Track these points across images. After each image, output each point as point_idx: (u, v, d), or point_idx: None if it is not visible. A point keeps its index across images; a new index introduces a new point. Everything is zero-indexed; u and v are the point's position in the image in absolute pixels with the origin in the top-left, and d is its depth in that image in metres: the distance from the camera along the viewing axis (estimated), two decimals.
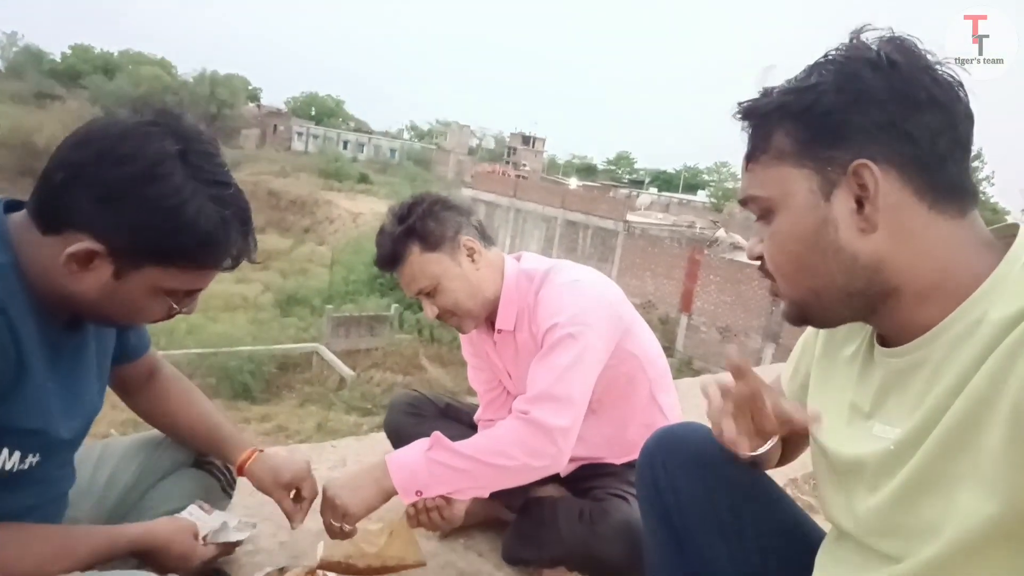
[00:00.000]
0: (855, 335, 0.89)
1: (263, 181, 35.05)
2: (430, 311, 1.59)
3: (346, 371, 15.98)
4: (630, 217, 24.46)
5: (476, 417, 1.85)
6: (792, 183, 0.76)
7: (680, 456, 1.05)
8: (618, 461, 1.66)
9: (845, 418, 0.85)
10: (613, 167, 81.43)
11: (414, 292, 1.58)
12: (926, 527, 0.69)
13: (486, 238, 1.63)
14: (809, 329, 1.01)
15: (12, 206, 0.96)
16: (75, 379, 1.04)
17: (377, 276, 20.95)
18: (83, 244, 0.89)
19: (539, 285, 1.59)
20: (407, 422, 1.86)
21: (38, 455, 0.98)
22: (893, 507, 0.73)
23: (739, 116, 0.81)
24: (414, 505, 1.44)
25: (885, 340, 0.81)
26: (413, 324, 18.67)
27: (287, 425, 13.32)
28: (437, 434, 1.41)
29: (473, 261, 1.57)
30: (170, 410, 1.37)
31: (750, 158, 0.79)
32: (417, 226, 1.53)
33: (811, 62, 0.76)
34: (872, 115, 0.72)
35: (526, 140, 68.88)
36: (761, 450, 0.92)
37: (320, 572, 1.44)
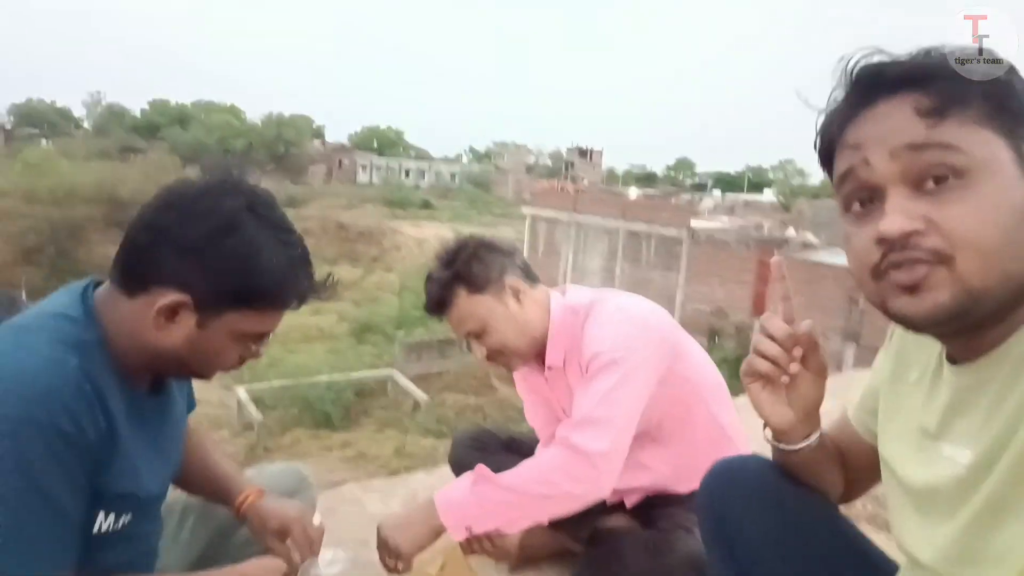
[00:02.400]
0: (921, 359, 0.86)
1: (331, 215, 36.23)
2: (479, 352, 1.62)
3: (420, 395, 16.26)
4: (694, 223, 23.97)
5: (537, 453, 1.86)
6: (998, 149, 0.68)
7: (741, 490, 1.05)
8: (685, 489, 1.65)
9: (915, 443, 0.83)
10: (673, 173, 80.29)
11: (463, 334, 1.62)
12: (1001, 554, 0.67)
13: (531, 277, 1.65)
14: (879, 355, 0.99)
15: (96, 285, 1.06)
16: (159, 438, 1.12)
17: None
18: (171, 297, 0.98)
19: (584, 318, 1.60)
20: (471, 456, 1.89)
21: (130, 514, 1.05)
22: (969, 534, 0.71)
23: (919, 70, 0.71)
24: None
25: (954, 358, 0.78)
26: None
27: (367, 451, 13.64)
28: (481, 467, 1.44)
29: (519, 301, 1.60)
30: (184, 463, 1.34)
31: (942, 112, 0.68)
32: (462, 270, 1.57)
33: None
34: None
35: (583, 154, 68.83)
36: (806, 443, 0.94)
37: None
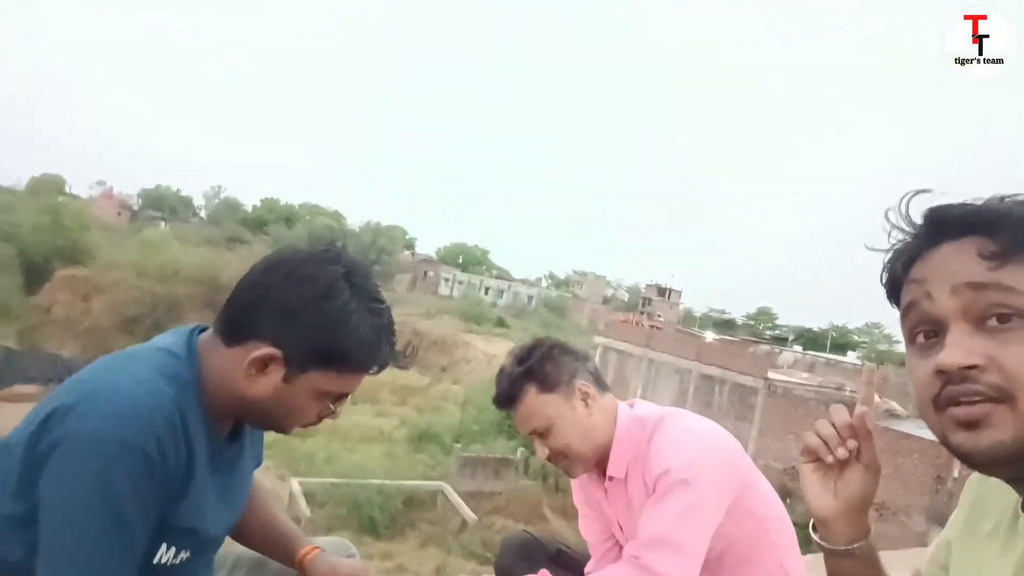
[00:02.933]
0: (997, 510, 0.85)
1: (410, 321, 37.07)
2: (541, 452, 1.64)
3: (469, 514, 15.81)
4: (771, 375, 23.21)
5: (587, 570, 1.81)
6: None
7: None
8: None
9: None
10: (753, 322, 78.66)
11: (527, 432, 1.64)
12: None
13: (601, 384, 1.68)
14: (955, 512, 0.97)
15: (201, 330, 1.18)
16: (228, 485, 1.20)
17: (506, 418, 20.84)
18: (264, 350, 1.07)
19: (652, 432, 1.59)
20: (518, 566, 1.88)
21: (189, 552, 1.12)
22: None
23: (985, 216, 0.73)
24: None
25: None
26: (538, 470, 18.36)
27: (408, 565, 13.23)
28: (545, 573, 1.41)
29: (587, 406, 1.62)
30: (246, 518, 1.41)
31: (1004, 256, 0.70)
32: (535, 368, 1.61)
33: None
34: None
35: (662, 292, 68.69)
36: (847, 547, 0.91)
37: None
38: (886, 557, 0.85)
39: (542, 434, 1.62)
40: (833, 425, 0.92)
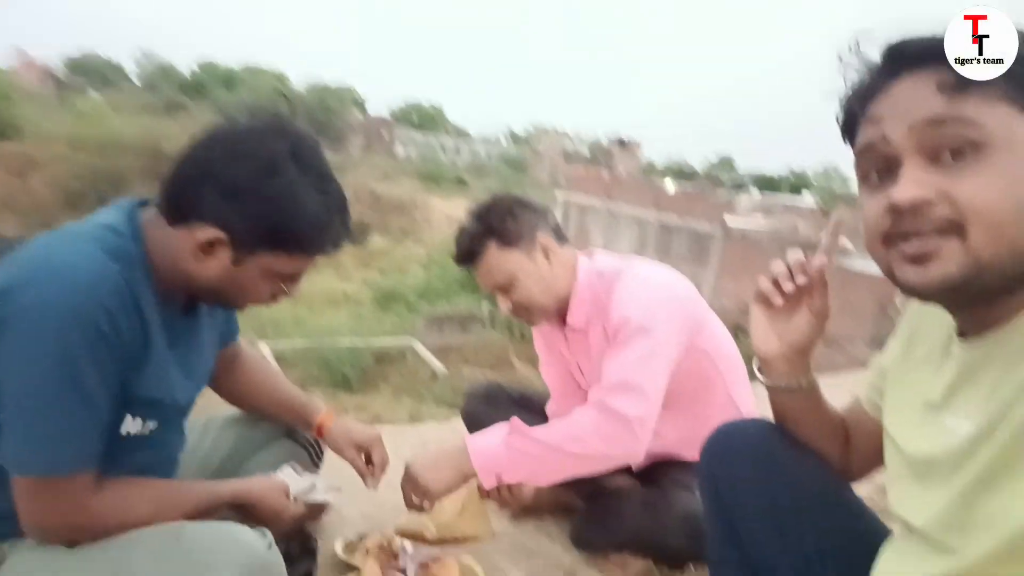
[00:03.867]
0: (932, 336, 0.87)
1: (366, 185, 36.34)
2: (504, 305, 1.65)
3: (438, 366, 16.38)
4: (729, 220, 23.66)
5: (548, 410, 1.90)
6: (1017, 126, 0.69)
7: (739, 453, 1.06)
8: (691, 457, 1.66)
9: (919, 415, 0.84)
10: (713, 172, 79.10)
11: (490, 287, 1.65)
12: (987, 521, 0.69)
13: (560, 237, 1.68)
14: (891, 340, 1.00)
15: (143, 204, 1.11)
16: (189, 355, 1.18)
17: (470, 276, 21.22)
18: (209, 233, 1.02)
19: (611, 283, 1.62)
20: (483, 410, 1.94)
21: (156, 421, 1.11)
22: (960, 501, 0.72)
23: (939, 45, 0.71)
24: None
25: (963, 332, 0.79)
26: (504, 322, 18.88)
27: (382, 414, 13.81)
28: (516, 420, 1.46)
29: (548, 259, 1.62)
30: (252, 388, 1.50)
31: (964, 87, 0.69)
32: (495, 224, 1.60)
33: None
34: None
35: (622, 144, 68.08)
36: (788, 383, 0.97)
37: (396, 539, 1.55)
38: (832, 382, 0.91)
39: (504, 288, 1.63)
40: (787, 265, 0.93)
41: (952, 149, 0.69)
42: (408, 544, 1.56)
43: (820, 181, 68.00)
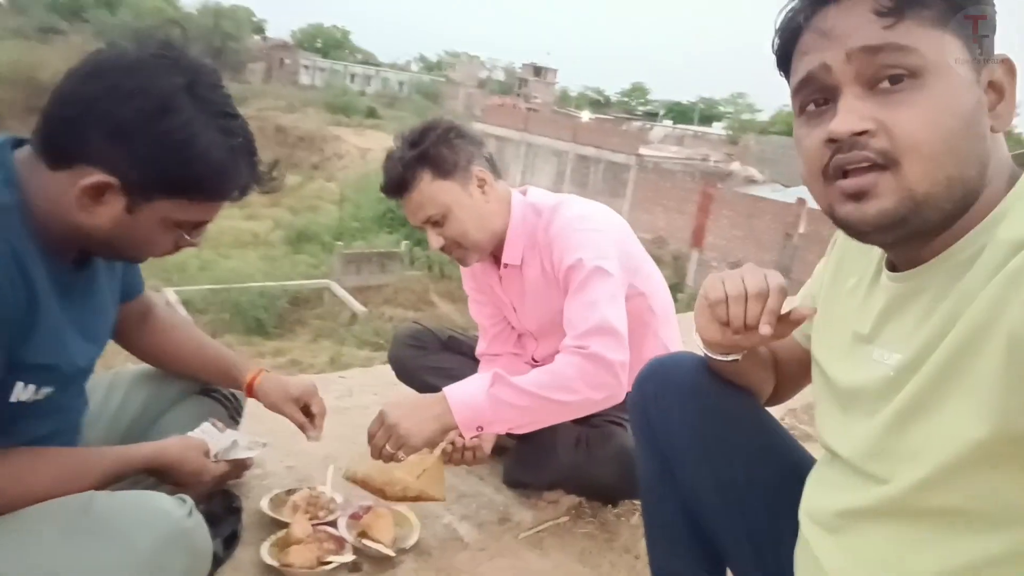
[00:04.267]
0: (860, 267, 0.88)
1: (270, 117, 34.48)
2: (435, 241, 1.57)
3: (358, 307, 16.15)
4: (643, 151, 23.98)
5: (478, 352, 1.86)
6: (953, 52, 0.68)
7: (670, 386, 1.07)
8: (623, 396, 1.69)
9: (847, 346, 0.85)
10: (627, 99, 79.54)
11: (421, 220, 1.55)
12: (914, 450, 0.70)
13: (496, 170, 1.60)
14: (819, 263, 1.01)
15: (17, 144, 0.96)
16: (85, 313, 1.07)
17: (387, 212, 20.91)
18: (96, 178, 0.90)
19: (548, 220, 1.57)
20: (411, 354, 1.89)
21: (52, 387, 1.01)
22: (887, 431, 0.74)
23: None
24: (452, 443, 1.48)
25: (893, 266, 0.80)
26: (424, 261, 18.73)
27: (300, 359, 13.56)
28: (498, 371, 1.40)
29: (484, 192, 1.55)
30: (171, 346, 1.40)
31: (898, 10, 0.68)
32: (430, 152, 1.50)
33: None
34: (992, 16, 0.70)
35: (537, 72, 67.28)
36: (732, 358, 0.97)
37: (324, 491, 1.51)
38: None
39: (437, 222, 1.54)
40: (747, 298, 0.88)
41: (890, 76, 0.68)
42: (338, 495, 1.52)
43: (728, 107, 69.76)
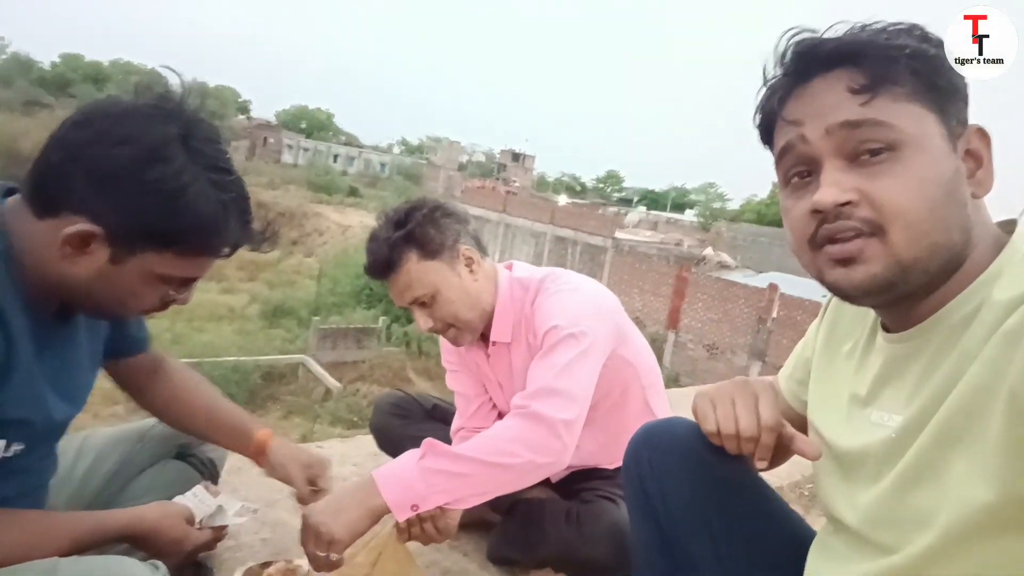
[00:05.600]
0: (855, 331, 0.89)
1: (252, 193, 34.26)
2: (424, 322, 1.52)
3: (332, 383, 15.85)
4: (619, 234, 24.55)
5: (453, 430, 1.76)
6: (928, 125, 0.71)
7: (666, 452, 1.04)
8: (611, 467, 1.65)
9: (845, 410, 0.85)
10: (602, 186, 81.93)
11: (408, 301, 1.51)
12: (922, 516, 0.69)
13: (481, 247, 1.58)
14: (811, 327, 1.01)
15: (9, 192, 0.94)
16: (63, 370, 1.02)
17: (364, 288, 20.86)
18: (80, 226, 0.87)
19: (535, 294, 1.55)
20: (393, 423, 1.83)
21: (22, 444, 0.96)
22: (892, 496, 0.72)
23: (850, 47, 0.72)
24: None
25: (887, 328, 0.80)
26: (401, 337, 18.60)
27: None
28: (430, 440, 1.29)
29: (472, 271, 1.52)
30: (181, 403, 1.35)
31: (872, 88, 0.70)
32: (416, 232, 1.46)
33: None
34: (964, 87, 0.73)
35: (516, 157, 69.33)
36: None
37: (302, 564, 1.42)
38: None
39: (425, 303, 1.50)
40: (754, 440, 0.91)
41: (870, 150, 0.71)
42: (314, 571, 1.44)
43: (699, 195, 72.01)
